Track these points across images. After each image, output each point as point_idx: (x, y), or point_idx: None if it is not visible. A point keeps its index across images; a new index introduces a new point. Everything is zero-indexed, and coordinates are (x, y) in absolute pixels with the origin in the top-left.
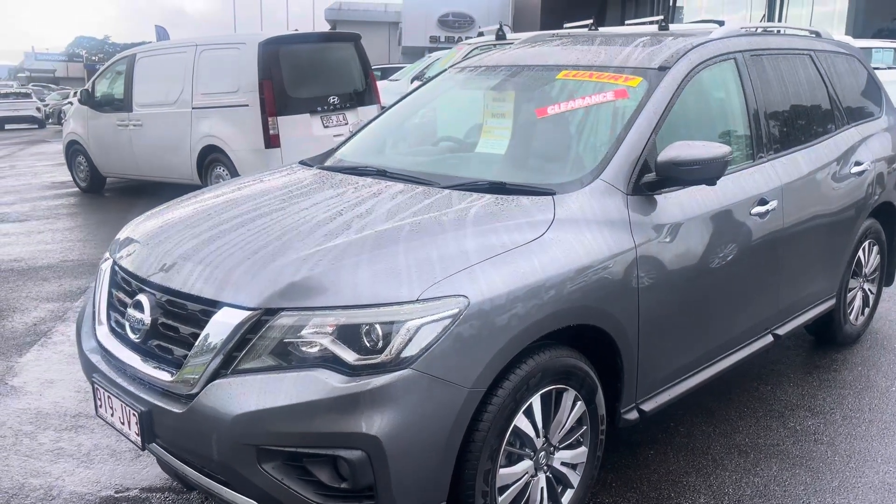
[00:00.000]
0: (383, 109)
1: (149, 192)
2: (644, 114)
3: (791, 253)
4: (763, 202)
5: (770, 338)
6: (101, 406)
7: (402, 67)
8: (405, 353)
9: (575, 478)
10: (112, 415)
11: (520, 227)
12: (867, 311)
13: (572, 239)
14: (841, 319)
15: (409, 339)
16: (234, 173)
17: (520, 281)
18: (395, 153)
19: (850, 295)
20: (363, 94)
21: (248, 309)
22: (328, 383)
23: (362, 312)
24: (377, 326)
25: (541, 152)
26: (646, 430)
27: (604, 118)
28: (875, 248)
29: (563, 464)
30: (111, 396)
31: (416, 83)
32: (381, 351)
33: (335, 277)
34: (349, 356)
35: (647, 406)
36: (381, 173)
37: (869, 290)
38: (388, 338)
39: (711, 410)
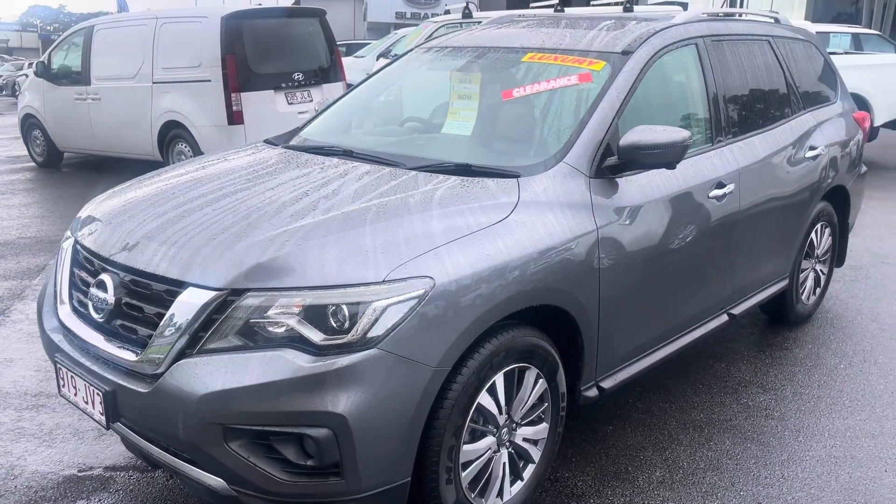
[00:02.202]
0: (349, 87)
1: (108, 167)
2: (607, 98)
3: (747, 235)
4: (721, 185)
5: (725, 317)
6: (63, 385)
7: (367, 44)
8: (371, 334)
9: (536, 453)
10: (75, 394)
11: (485, 209)
12: (818, 291)
13: (536, 221)
14: (793, 299)
15: (376, 320)
16: (196, 150)
17: (485, 262)
18: (362, 133)
19: (802, 276)
20: (328, 71)
21: (215, 289)
22: (295, 363)
23: (329, 293)
24: (343, 307)
25: (506, 134)
26: (605, 406)
27: (568, 101)
28: (827, 231)
29: (524, 440)
30: (74, 376)
31: (382, 60)
32: (347, 331)
33: (302, 258)
34: (315, 336)
35: (607, 383)
36: (348, 153)
37: (821, 270)
38: (354, 318)
39: (668, 388)
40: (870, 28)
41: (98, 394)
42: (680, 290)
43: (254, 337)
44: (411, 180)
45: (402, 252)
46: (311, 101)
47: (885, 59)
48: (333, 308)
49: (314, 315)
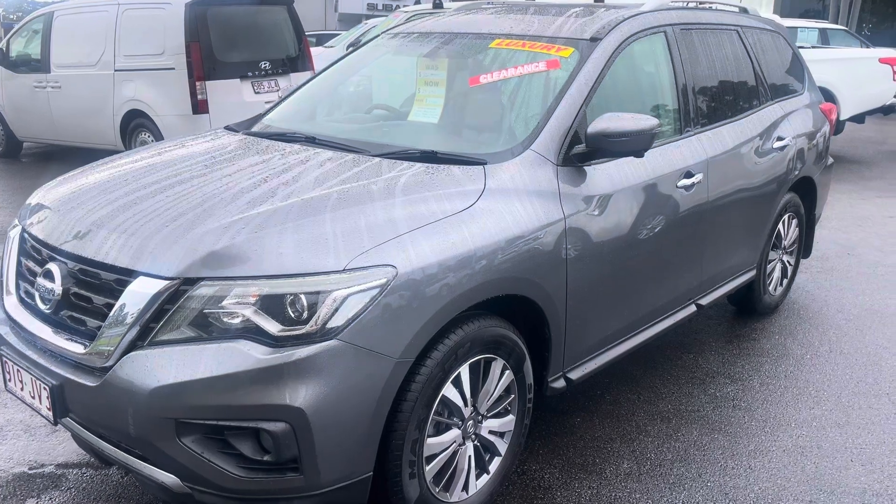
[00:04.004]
0: (314, 75)
1: (69, 157)
2: (575, 85)
3: (715, 225)
4: (689, 175)
5: (693, 308)
6: (10, 380)
7: (337, 34)
8: (331, 324)
9: (502, 446)
10: (22, 389)
11: (450, 197)
12: (785, 282)
13: (503, 209)
14: (761, 290)
15: (336, 310)
16: (159, 139)
17: (449, 251)
18: (326, 120)
19: (769, 266)
20: (296, 60)
21: (166, 278)
22: (251, 355)
23: (286, 282)
24: (302, 297)
25: (473, 121)
26: (573, 398)
27: (536, 88)
28: (794, 222)
29: (490, 432)
30: (21, 370)
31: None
32: (305, 322)
33: (258, 246)
34: (273, 327)
35: (574, 374)
36: (310, 140)
37: (787, 261)
38: (313, 308)
39: (636, 378)
40: (836, 24)
41: (45, 388)
42: (648, 280)
43: (208, 328)
44: (374, 167)
45: (363, 240)
46: (279, 90)
47: (852, 53)
48: (291, 298)
49: (271, 305)
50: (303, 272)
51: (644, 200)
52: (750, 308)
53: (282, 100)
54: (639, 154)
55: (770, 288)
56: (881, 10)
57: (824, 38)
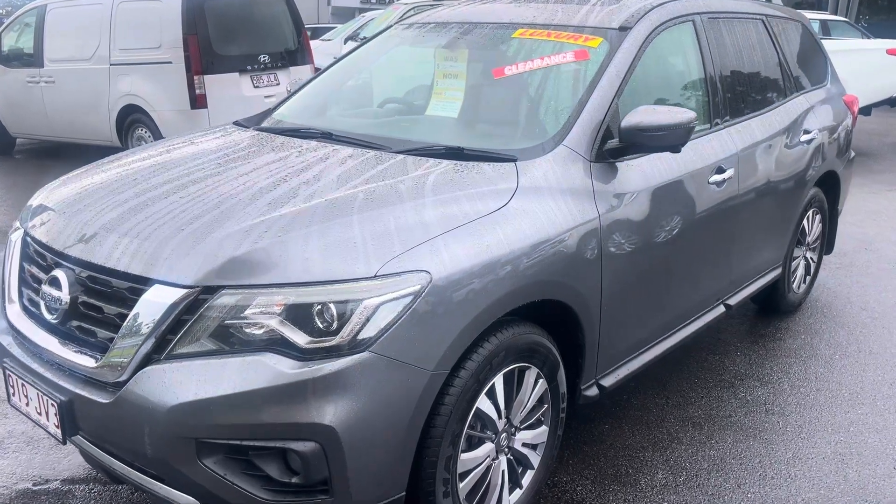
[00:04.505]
0: (317, 71)
1: (64, 154)
2: (606, 76)
3: (744, 222)
4: (720, 170)
5: (722, 308)
6: (14, 394)
7: (332, 28)
8: (362, 335)
9: (535, 458)
10: (27, 404)
11: (482, 196)
12: (808, 279)
13: (537, 209)
14: (785, 288)
15: (367, 319)
16: (156, 135)
17: (484, 254)
18: (339, 115)
19: (794, 264)
20: (295, 54)
21: (184, 287)
22: (276, 369)
23: (314, 290)
24: (331, 306)
25: (498, 116)
26: (600, 403)
27: (564, 80)
28: (818, 217)
29: (523, 445)
30: (26, 384)
31: (351, 44)
32: (335, 332)
33: (283, 251)
34: (300, 338)
35: (607, 381)
36: (327, 136)
37: (811, 258)
38: (343, 318)
39: (663, 382)
40: (835, 15)
41: (53, 404)
42: (681, 280)
43: (230, 340)
44: (399, 165)
45: (394, 243)
46: (278, 84)
47: (859, 44)
48: (319, 307)
49: (298, 315)
50: (331, 279)
51: (678, 197)
52: (773, 307)
53: (292, 93)
54: (675, 149)
55: (794, 286)
56: (877, 1)
57: (825, 30)
